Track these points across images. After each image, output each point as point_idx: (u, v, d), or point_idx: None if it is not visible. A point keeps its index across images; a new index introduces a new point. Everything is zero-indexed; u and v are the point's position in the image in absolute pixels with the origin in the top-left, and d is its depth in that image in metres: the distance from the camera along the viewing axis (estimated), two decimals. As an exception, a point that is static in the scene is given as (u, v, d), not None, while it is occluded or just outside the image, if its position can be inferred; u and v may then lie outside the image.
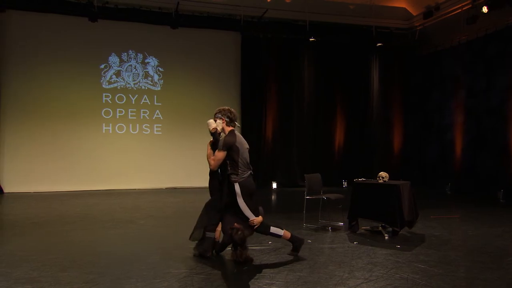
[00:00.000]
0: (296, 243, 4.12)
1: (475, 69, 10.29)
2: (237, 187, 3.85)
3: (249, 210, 3.87)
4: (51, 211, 7.16)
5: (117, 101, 10.90)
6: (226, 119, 3.97)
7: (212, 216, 4.06)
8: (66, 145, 10.38)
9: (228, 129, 3.99)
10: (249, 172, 3.95)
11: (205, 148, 4.23)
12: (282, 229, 4.05)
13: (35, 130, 10.16)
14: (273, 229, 3.98)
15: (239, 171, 3.86)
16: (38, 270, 3.65)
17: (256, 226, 3.90)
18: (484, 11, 9.17)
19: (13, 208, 7.70)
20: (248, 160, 3.98)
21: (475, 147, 10.21)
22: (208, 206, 4.15)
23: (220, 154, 3.82)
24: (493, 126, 9.71)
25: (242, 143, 3.94)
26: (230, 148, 3.81)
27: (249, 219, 3.88)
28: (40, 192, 10.00)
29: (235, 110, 4.10)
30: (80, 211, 7.17)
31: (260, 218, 3.93)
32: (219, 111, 4.02)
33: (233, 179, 3.88)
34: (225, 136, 3.91)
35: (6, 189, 9.84)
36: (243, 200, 3.86)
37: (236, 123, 4.00)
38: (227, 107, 4.04)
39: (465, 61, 10.56)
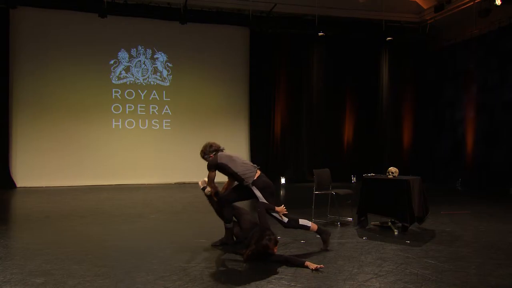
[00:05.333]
0: (322, 235, 4.20)
1: (488, 63, 10.11)
2: (254, 189, 4.11)
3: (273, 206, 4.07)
4: (63, 206, 7.27)
5: (126, 97, 10.98)
6: (210, 155, 4.32)
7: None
8: (77, 140, 10.51)
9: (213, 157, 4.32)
10: (256, 170, 4.19)
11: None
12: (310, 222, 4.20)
13: (46, 126, 10.30)
14: (302, 221, 4.12)
15: (244, 176, 4.13)
16: (51, 263, 3.71)
17: (284, 224, 4.08)
18: (497, 4, 8.99)
19: (26, 202, 7.83)
20: (249, 162, 4.32)
21: (487, 143, 10.06)
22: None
23: (209, 174, 4.25)
24: (507, 121, 9.55)
25: (230, 156, 4.27)
26: (218, 167, 4.21)
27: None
28: (52, 186, 10.15)
29: (212, 142, 4.42)
30: (92, 206, 7.26)
31: (282, 208, 4.06)
32: (203, 153, 4.35)
33: (246, 184, 4.14)
34: (210, 160, 4.30)
35: (18, 184, 10.01)
36: (265, 200, 4.07)
37: (217, 151, 4.32)
38: (202, 148, 4.38)
39: (477, 55, 10.38)
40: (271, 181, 4.26)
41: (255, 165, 4.28)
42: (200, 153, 4.37)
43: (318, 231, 4.18)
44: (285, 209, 4.05)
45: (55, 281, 3.23)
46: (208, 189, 4.41)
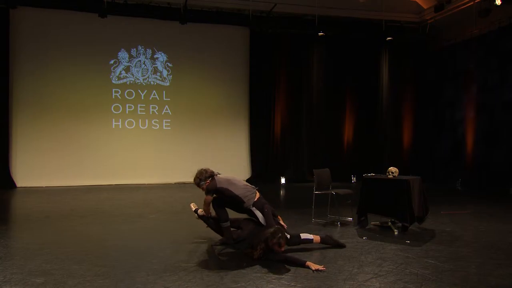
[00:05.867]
0: (329, 242, 4.24)
1: (488, 63, 10.11)
2: (254, 209, 4.20)
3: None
4: (63, 206, 7.27)
5: (126, 97, 10.98)
6: (206, 181, 4.30)
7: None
8: (77, 140, 10.51)
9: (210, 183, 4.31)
10: (255, 191, 4.28)
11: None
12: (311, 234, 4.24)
13: (46, 125, 10.29)
14: (303, 235, 4.14)
15: (246, 199, 4.19)
16: (51, 263, 3.72)
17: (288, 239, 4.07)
18: (497, 4, 8.99)
19: (26, 202, 7.83)
20: (248, 183, 4.38)
21: (487, 143, 10.06)
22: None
23: (206, 198, 4.29)
24: (507, 121, 9.55)
25: (228, 179, 4.30)
26: (217, 191, 4.23)
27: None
28: (52, 186, 10.15)
29: (205, 167, 4.43)
30: (92, 206, 7.26)
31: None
32: (199, 180, 4.31)
33: (246, 206, 4.21)
34: (207, 185, 4.30)
35: (18, 184, 10.00)
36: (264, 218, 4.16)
37: (212, 176, 4.31)
38: (196, 174, 4.35)
39: (477, 55, 10.38)
40: (267, 202, 4.33)
41: (253, 186, 4.35)
42: (195, 180, 4.31)
43: (322, 242, 4.22)
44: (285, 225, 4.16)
45: (55, 281, 3.23)
46: (200, 210, 4.47)
